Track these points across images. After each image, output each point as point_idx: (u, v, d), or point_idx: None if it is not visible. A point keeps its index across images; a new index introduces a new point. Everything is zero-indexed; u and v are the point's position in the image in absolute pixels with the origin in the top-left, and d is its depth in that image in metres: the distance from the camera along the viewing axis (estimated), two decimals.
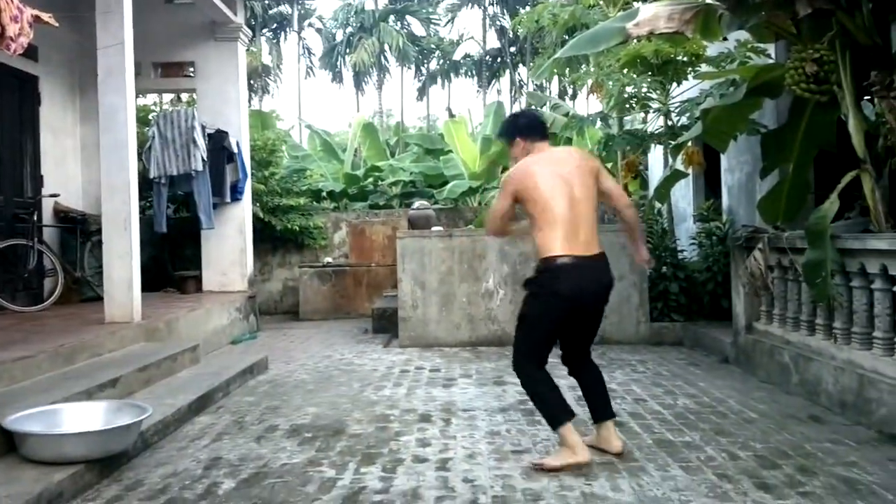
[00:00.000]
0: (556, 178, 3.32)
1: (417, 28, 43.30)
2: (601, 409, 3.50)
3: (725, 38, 5.56)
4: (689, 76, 6.87)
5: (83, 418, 3.44)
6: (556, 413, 3.31)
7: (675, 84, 7.03)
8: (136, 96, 7.20)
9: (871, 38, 4.36)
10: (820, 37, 4.48)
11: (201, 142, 7.50)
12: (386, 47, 40.05)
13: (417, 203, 9.15)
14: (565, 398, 3.42)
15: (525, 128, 3.54)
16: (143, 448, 3.61)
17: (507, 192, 3.41)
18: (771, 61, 5.74)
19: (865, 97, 4.74)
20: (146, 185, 7.51)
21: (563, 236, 3.27)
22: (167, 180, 7.51)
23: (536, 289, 3.37)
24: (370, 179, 13.79)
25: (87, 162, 7.82)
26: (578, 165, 3.40)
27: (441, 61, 43.16)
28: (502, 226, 3.57)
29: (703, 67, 6.68)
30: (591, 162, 3.50)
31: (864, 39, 4.36)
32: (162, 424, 3.88)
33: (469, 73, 42.99)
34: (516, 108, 38.91)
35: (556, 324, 3.35)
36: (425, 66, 43.41)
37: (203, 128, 7.62)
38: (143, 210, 7.96)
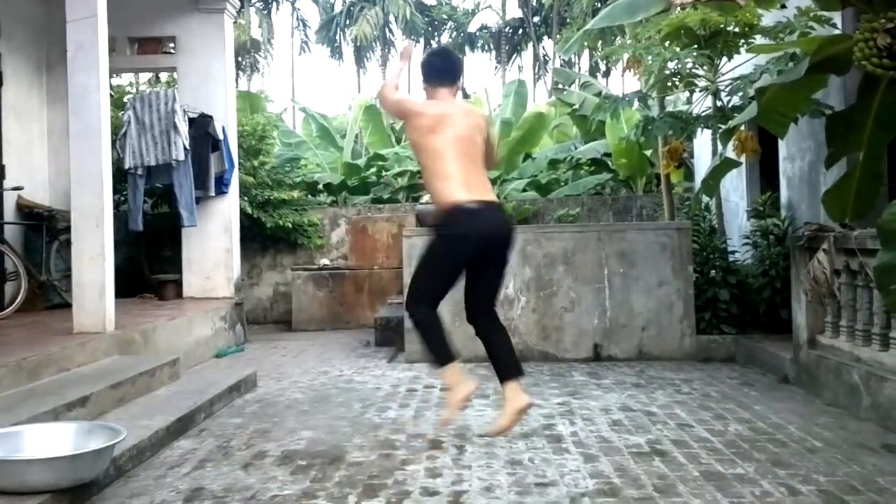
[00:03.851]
0: (453, 130, 4.05)
1: None
2: (505, 369, 4.18)
3: (784, 6, 5.52)
4: (742, 50, 6.81)
5: (49, 442, 3.44)
6: (441, 353, 4.11)
7: (725, 59, 6.98)
8: (111, 76, 7.23)
9: None
10: (894, 4, 4.42)
11: (183, 127, 7.54)
12: (391, 18, 40.14)
13: (426, 197, 9.15)
14: (451, 341, 4.16)
15: (436, 70, 4.26)
16: (115, 476, 3.61)
17: (409, 106, 4.19)
18: (837, 32, 5.67)
19: None
20: (121, 177, 7.57)
21: (462, 184, 3.98)
22: (144, 171, 7.57)
23: (443, 230, 4.05)
24: (373, 170, 13.81)
25: (55, 150, 7.89)
26: (470, 122, 4.16)
27: (454, 34, 43.19)
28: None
29: (758, 39, 6.63)
30: (479, 120, 4.30)
31: None
32: (137, 449, 3.88)
33: (486, 47, 42.99)
34: (540, 87, 38.93)
35: (458, 265, 4.09)
36: (436, 39, 43.46)
37: (185, 111, 7.67)
38: (117, 205, 8.02)
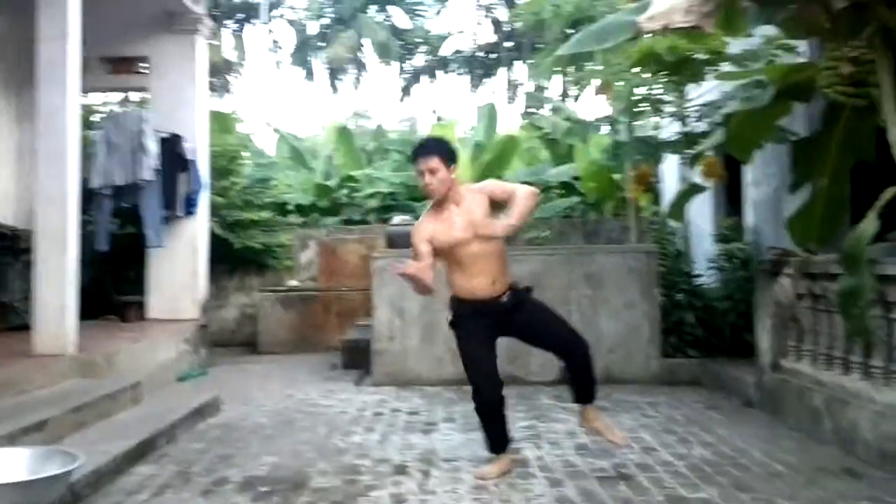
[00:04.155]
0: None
1: (401, 20, 43.63)
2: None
3: (750, 34, 5.61)
4: (709, 77, 6.92)
5: (3, 467, 3.35)
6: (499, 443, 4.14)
7: (692, 85, 7.08)
8: (81, 95, 7.17)
9: None
10: (857, 33, 4.50)
11: (152, 147, 7.48)
12: (365, 41, 40.28)
13: (397, 218, 9.15)
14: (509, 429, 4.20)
15: (457, 157, 4.22)
16: (72, 502, 3.53)
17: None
18: (802, 60, 5.78)
19: None
20: (87, 197, 7.45)
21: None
22: (111, 191, 7.47)
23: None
24: (344, 191, 13.76)
25: (23, 169, 7.76)
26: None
27: (427, 57, 43.43)
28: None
29: (725, 67, 6.73)
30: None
31: None
32: (95, 475, 3.80)
33: (459, 71, 43.26)
34: (512, 111, 39.21)
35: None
36: (409, 62, 43.66)
37: (155, 132, 7.60)
38: (82, 225, 7.89)
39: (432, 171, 4.03)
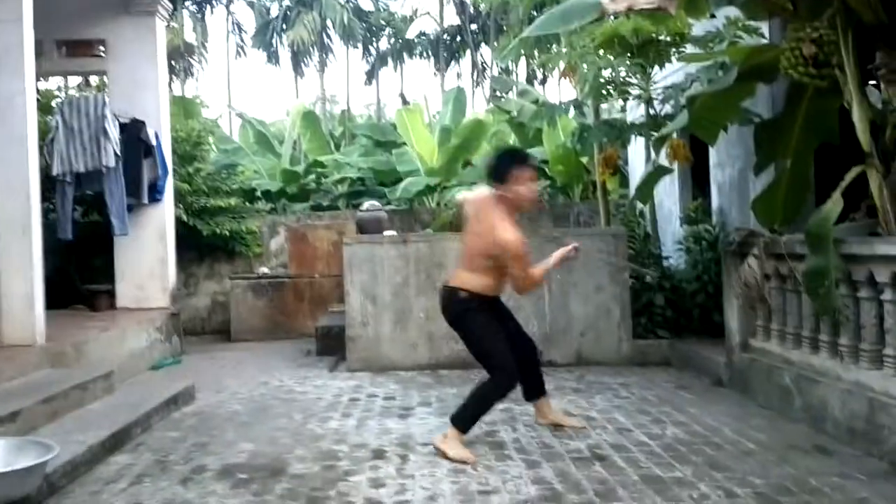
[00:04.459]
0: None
1: (365, 2, 43.23)
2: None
3: (713, 16, 5.67)
4: (673, 58, 6.97)
5: None
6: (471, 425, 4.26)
7: (657, 68, 7.13)
8: (37, 80, 7.00)
9: (877, 14, 4.44)
10: (819, 14, 4.56)
11: (113, 133, 7.35)
12: (329, 23, 39.85)
13: (367, 204, 9.10)
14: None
15: None
16: (48, 493, 3.51)
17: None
18: (764, 41, 5.85)
19: (871, 82, 4.85)
20: (49, 185, 7.31)
21: None
22: (73, 178, 7.35)
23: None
24: (312, 176, 13.69)
25: None
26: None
27: (392, 40, 43.11)
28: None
29: (689, 48, 6.79)
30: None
31: (869, 17, 4.45)
32: (71, 465, 3.78)
33: (424, 54, 43.02)
34: (479, 95, 39.22)
35: None
36: (374, 45, 43.33)
37: (115, 117, 7.47)
38: (45, 213, 7.73)
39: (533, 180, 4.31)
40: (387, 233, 7.80)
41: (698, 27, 6.67)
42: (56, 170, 7.24)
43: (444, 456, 4.03)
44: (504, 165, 4.24)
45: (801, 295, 4.79)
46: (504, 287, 4.38)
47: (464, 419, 4.20)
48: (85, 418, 4.65)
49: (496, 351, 4.24)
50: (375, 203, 9.36)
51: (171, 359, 7.55)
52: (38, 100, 6.00)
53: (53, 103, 8.19)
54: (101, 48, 8.28)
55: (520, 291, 4.48)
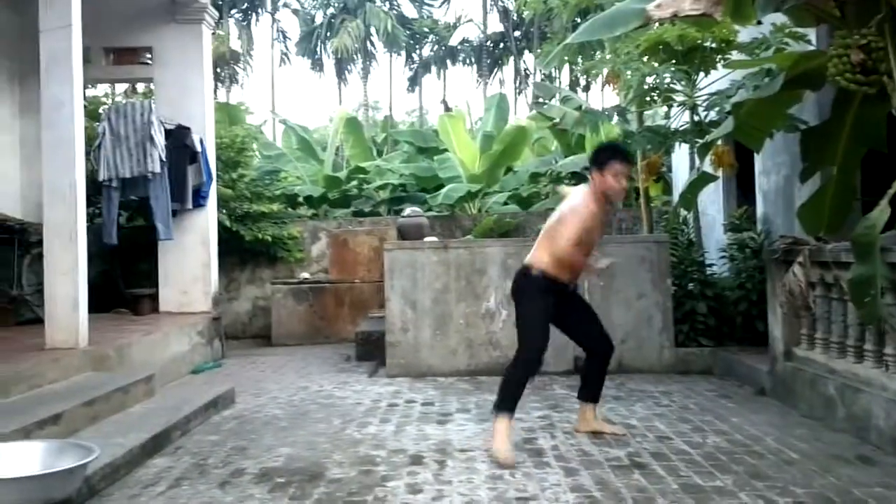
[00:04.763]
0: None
1: (408, 9, 43.56)
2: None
3: (760, 22, 5.57)
4: (719, 65, 6.90)
5: (19, 461, 3.40)
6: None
7: (702, 74, 7.06)
8: (85, 86, 7.21)
9: None
10: (867, 20, 4.49)
11: (159, 139, 7.50)
12: (373, 31, 40.24)
13: (408, 210, 9.16)
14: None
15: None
16: (88, 496, 3.57)
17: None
18: (812, 48, 5.76)
19: None
20: (95, 190, 7.50)
21: None
22: (119, 183, 7.51)
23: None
24: (354, 182, 13.81)
25: (28, 162, 7.82)
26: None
27: (435, 47, 43.35)
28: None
29: (735, 55, 6.71)
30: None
31: None
32: (111, 468, 3.84)
33: (467, 61, 43.17)
34: (521, 101, 39.17)
35: None
36: (417, 52, 43.61)
37: (161, 123, 7.63)
38: (91, 218, 7.94)
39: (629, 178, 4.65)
40: (428, 239, 7.83)
41: (744, 33, 6.59)
42: (102, 175, 7.42)
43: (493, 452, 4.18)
44: (606, 155, 4.56)
45: (846, 303, 4.71)
46: (577, 274, 4.54)
47: (502, 402, 4.35)
48: (125, 421, 4.73)
49: (530, 340, 4.40)
50: (417, 209, 9.43)
51: (212, 363, 7.66)
52: (85, 106, 6.13)
53: (101, 110, 8.39)
54: (148, 55, 8.46)
55: (555, 256, 4.42)
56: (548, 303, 4.42)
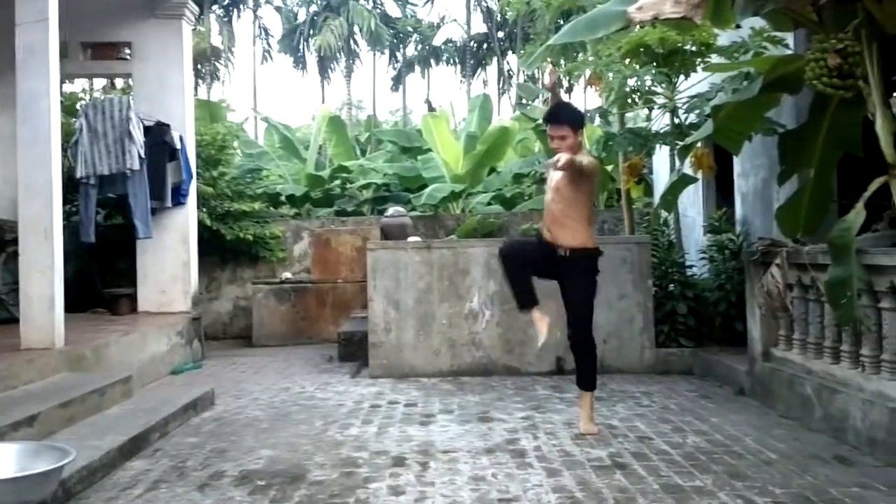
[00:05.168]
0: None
1: (392, 8, 43.52)
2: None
3: (738, 26, 5.63)
4: (699, 68, 6.95)
5: None
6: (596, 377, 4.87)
7: (682, 77, 7.11)
8: (62, 82, 7.11)
9: None
10: (844, 25, 4.54)
11: (138, 136, 7.43)
12: (356, 29, 40.13)
13: (391, 209, 9.15)
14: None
15: (584, 124, 4.98)
16: (64, 499, 3.55)
17: (596, 172, 4.86)
18: (789, 52, 5.83)
19: (895, 94, 4.81)
20: (72, 187, 7.42)
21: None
22: (97, 181, 7.43)
23: (595, 268, 4.85)
24: (337, 182, 13.76)
25: (3, 158, 7.70)
26: None
27: (419, 47, 43.34)
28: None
29: (714, 58, 6.76)
30: None
31: (893, 28, 4.43)
32: (87, 471, 3.81)
33: (451, 61, 43.21)
34: (505, 102, 39.25)
35: None
36: (401, 51, 43.57)
37: (140, 119, 7.56)
38: (68, 216, 7.86)
39: (562, 138, 4.70)
40: (411, 239, 7.83)
41: (724, 37, 6.65)
42: (79, 172, 7.33)
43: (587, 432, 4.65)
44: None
45: (823, 305, 4.77)
46: (563, 230, 4.78)
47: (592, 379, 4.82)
48: (102, 423, 4.69)
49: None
50: (400, 209, 9.42)
51: (192, 363, 7.61)
52: (62, 102, 6.05)
53: (78, 105, 8.30)
54: (127, 51, 8.38)
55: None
56: (523, 253, 4.98)
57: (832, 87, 4.51)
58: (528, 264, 4.87)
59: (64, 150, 6.41)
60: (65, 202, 6.19)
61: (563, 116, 4.79)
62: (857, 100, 4.62)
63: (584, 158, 4.67)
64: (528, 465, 4.07)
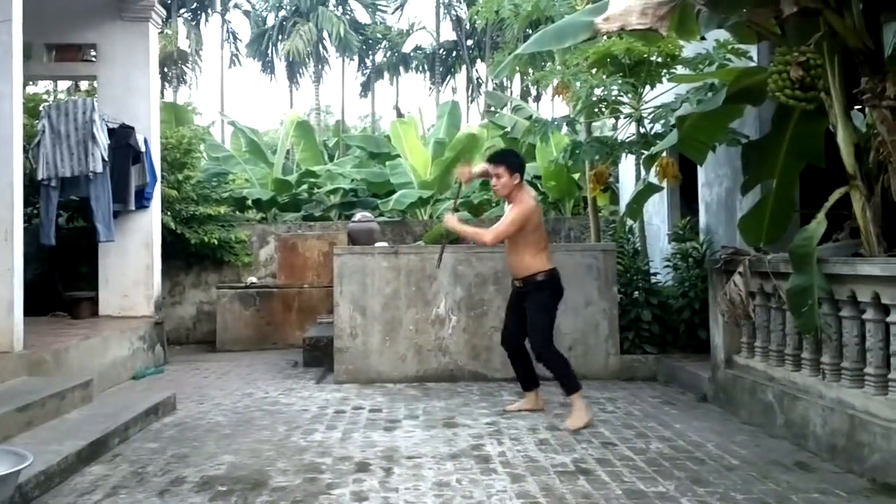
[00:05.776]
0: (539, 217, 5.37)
1: (362, 15, 43.50)
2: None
3: (703, 38, 5.73)
4: (664, 79, 7.03)
5: None
6: (575, 381, 5.18)
7: (648, 87, 7.19)
8: (25, 83, 6.98)
9: (862, 40, 4.53)
10: (806, 38, 4.63)
11: (101, 138, 7.32)
12: (325, 35, 40.03)
13: (359, 215, 9.12)
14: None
15: (522, 168, 5.37)
16: (21, 503, 3.46)
17: (523, 220, 5.16)
18: (753, 64, 5.92)
19: (856, 106, 4.91)
20: (33, 189, 7.28)
21: (549, 255, 5.33)
22: (58, 183, 7.29)
23: (553, 287, 5.28)
24: (304, 186, 13.68)
25: None
26: None
27: (388, 53, 43.35)
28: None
29: (679, 69, 6.85)
30: None
31: (855, 42, 4.52)
32: (45, 476, 3.73)
33: (420, 68, 43.28)
34: (473, 109, 39.42)
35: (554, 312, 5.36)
36: (370, 58, 43.54)
37: (104, 121, 7.45)
38: (28, 218, 7.72)
39: (497, 177, 5.22)
40: (378, 244, 7.80)
41: (689, 49, 6.74)
42: (41, 174, 7.18)
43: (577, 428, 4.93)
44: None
45: (784, 313, 4.83)
46: (512, 265, 5.37)
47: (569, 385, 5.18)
48: (61, 428, 4.60)
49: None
50: (367, 214, 9.39)
51: (154, 368, 7.50)
52: (24, 103, 5.96)
53: (41, 107, 8.17)
54: (92, 52, 8.26)
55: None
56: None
57: (795, 99, 4.58)
58: (514, 336, 5.41)
59: (25, 151, 6.29)
60: (26, 204, 6.09)
61: (500, 159, 5.31)
62: (819, 111, 4.71)
63: (519, 203, 5.18)
64: (493, 471, 4.05)
